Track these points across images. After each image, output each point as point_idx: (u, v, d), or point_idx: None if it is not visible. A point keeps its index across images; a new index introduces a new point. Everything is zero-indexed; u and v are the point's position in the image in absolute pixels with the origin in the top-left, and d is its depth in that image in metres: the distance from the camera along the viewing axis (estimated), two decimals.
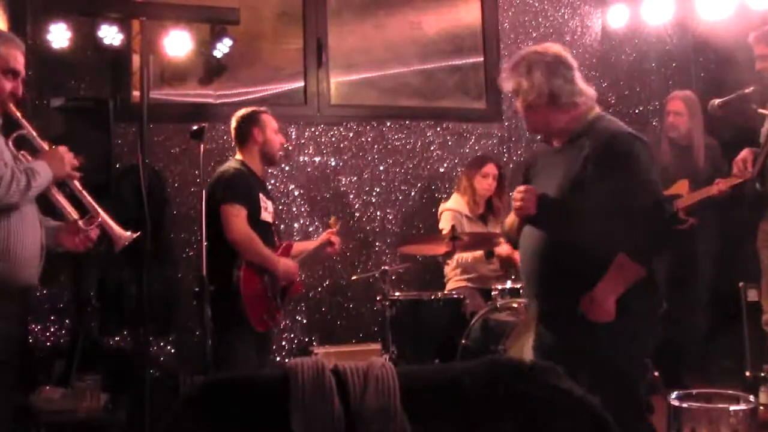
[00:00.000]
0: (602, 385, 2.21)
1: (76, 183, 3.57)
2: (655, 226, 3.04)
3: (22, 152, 3.48)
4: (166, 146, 5.98)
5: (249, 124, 4.87)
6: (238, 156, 4.91)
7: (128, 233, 3.68)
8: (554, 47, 3.31)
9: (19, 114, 3.45)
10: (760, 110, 4.38)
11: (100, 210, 3.60)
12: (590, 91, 3.28)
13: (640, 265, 3.04)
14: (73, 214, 3.57)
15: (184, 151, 5.94)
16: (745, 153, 4.89)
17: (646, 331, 3.14)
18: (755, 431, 1.38)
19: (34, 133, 3.50)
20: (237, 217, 4.57)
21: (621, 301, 3.01)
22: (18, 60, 3.37)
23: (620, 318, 3.01)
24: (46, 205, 3.53)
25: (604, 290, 3.01)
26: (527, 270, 3.33)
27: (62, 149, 3.50)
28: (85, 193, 3.59)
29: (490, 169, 5.93)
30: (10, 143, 3.45)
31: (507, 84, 3.37)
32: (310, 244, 5.28)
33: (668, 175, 5.61)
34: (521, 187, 3.32)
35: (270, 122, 4.90)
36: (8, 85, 3.35)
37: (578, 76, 3.25)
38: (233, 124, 4.95)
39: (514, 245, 3.54)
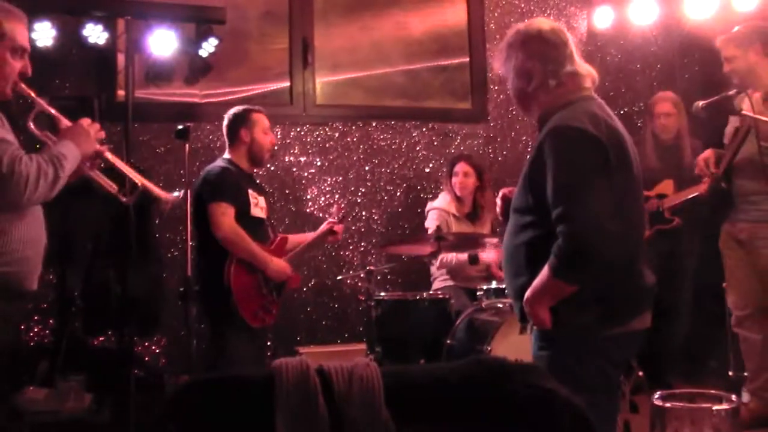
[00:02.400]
0: None
1: (108, 154, 3.37)
2: (567, 238, 2.69)
3: (45, 133, 3.27)
4: (151, 146, 5.97)
5: (237, 123, 4.88)
6: (227, 155, 4.92)
7: (174, 194, 3.60)
8: (538, 23, 3.04)
9: (33, 93, 3.23)
10: (744, 111, 4.41)
11: (139, 177, 3.49)
12: (582, 70, 2.98)
13: (557, 279, 2.74)
14: (112, 187, 3.42)
15: (170, 151, 5.93)
16: (707, 153, 4.95)
17: (581, 347, 2.83)
18: (737, 431, 1.39)
19: (53, 111, 3.29)
20: (224, 215, 4.58)
21: (556, 312, 2.80)
22: (24, 35, 3.10)
23: (557, 329, 2.82)
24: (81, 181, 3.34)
25: (531, 299, 2.81)
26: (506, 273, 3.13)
27: (86, 122, 3.25)
28: (119, 162, 3.44)
29: (461, 167, 5.98)
30: (31, 124, 3.25)
31: (496, 66, 3.21)
32: (309, 236, 5.26)
33: (653, 175, 5.64)
34: (500, 191, 3.22)
35: (260, 122, 4.91)
36: (18, 65, 3.09)
37: (564, 55, 2.95)
38: (224, 121, 4.96)
39: None
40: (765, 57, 4.75)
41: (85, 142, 3.18)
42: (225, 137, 4.97)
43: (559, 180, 2.73)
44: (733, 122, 4.94)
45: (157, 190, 3.55)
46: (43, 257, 3.21)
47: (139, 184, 3.47)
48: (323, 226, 5.20)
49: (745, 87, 4.55)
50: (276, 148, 6.15)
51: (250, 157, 4.90)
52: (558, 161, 2.74)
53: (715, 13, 6.01)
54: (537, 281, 2.80)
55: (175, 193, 3.64)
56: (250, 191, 4.80)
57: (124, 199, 3.48)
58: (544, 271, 2.76)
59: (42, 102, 3.29)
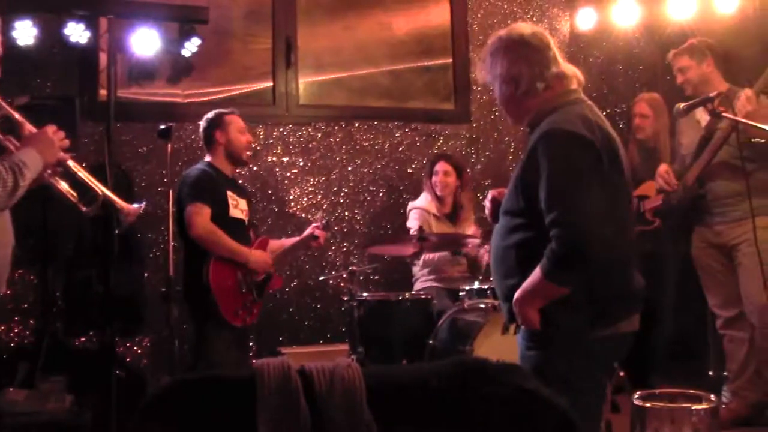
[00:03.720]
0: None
1: (70, 163, 3.27)
2: (561, 242, 2.69)
3: (8, 137, 3.13)
4: (133, 145, 5.94)
5: (212, 126, 4.94)
6: (206, 159, 4.96)
7: (135, 206, 3.55)
8: (519, 28, 3.02)
9: None
10: (724, 114, 4.44)
11: (101, 187, 3.42)
12: (567, 71, 2.99)
13: (550, 282, 2.74)
14: (73, 196, 3.31)
15: (152, 151, 5.91)
16: (665, 166, 5.15)
17: (570, 348, 2.82)
18: (716, 430, 1.40)
19: (17, 115, 3.16)
20: (198, 215, 4.62)
21: (546, 313, 2.79)
22: None
23: (546, 330, 2.81)
24: (41, 187, 3.23)
25: (520, 299, 2.80)
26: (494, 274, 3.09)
27: (50, 129, 3.14)
28: (82, 171, 3.34)
29: (441, 166, 5.98)
30: None
31: (480, 76, 3.18)
32: (290, 241, 5.34)
33: (636, 176, 5.67)
34: (489, 193, 3.12)
35: (234, 122, 4.96)
36: None
37: (549, 57, 2.95)
38: (200, 128, 5.02)
39: None
40: (716, 69, 4.99)
41: (48, 150, 3.08)
42: (203, 143, 5.02)
43: (553, 183, 2.72)
44: (689, 133, 5.06)
45: (119, 201, 3.50)
46: (10, 261, 3.13)
47: (101, 194, 3.39)
48: (307, 231, 5.24)
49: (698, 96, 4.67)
50: (258, 148, 6.16)
51: (228, 157, 4.94)
52: (552, 164, 2.73)
53: (696, 14, 6.05)
54: (528, 282, 2.78)
55: (136, 205, 3.57)
56: (229, 193, 4.83)
57: (84, 209, 3.36)
58: (536, 273, 2.75)
59: (6, 106, 3.17)
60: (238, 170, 5.16)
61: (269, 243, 5.13)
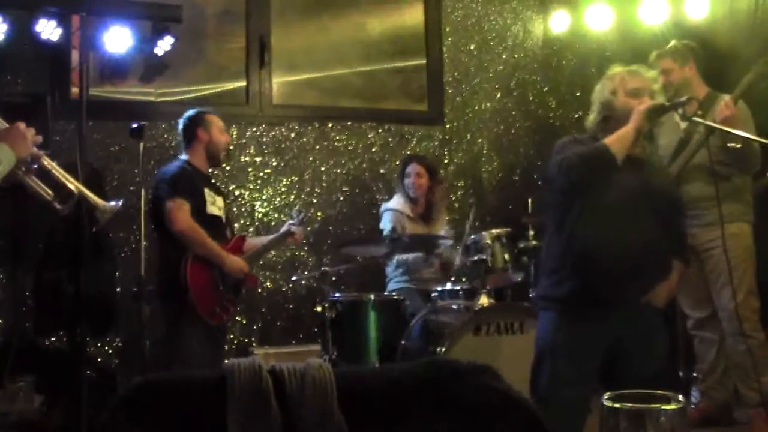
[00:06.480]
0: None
1: (45, 159, 3.21)
2: None
3: None
4: (105, 144, 5.91)
5: (194, 124, 4.92)
6: (183, 156, 4.93)
7: (111, 203, 3.49)
8: None
9: None
10: (695, 118, 4.47)
11: (76, 184, 3.36)
12: None
13: None
14: (48, 193, 3.24)
15: (124, 150, 5.88)
16: None
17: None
18: (685, 431, 1.41)
19: None
20: (180, 210, 4.60)
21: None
22: None
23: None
24: (12, 186, 3.15)
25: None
26: (633, 258, 3.45)
27: (22, 125, 3.06)
28: (56, 168, 3.28)
29: (413, 168, 5.98)
30: None
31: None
32: (267, 239, 5.34)
33: None
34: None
35: (215, 122, 4.97)
36: None
37: None
38: (180, 124, 4.99)
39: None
40: (697, 73, 5.02)
41: (20, 144, 3.01)
42: (182, 139, 4.98)
43: None
44: (668, 135, 5.06)
45: (95, 198, 3.45)
46: None
47: (76, 191, 3.34)
48: (284, 228, 5.24)
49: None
50: (231, 147, 6.14)
51: (207, 156, 4.94)
52: None
53: (668, 19, 6.11)
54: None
55: (113, 202, 3.51)
56: (206, 190, 4.83)
57: (59, 207, 3.29)
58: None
59: None
60: (210, 170, 5.13)
61: (246, 241, 5.10)
